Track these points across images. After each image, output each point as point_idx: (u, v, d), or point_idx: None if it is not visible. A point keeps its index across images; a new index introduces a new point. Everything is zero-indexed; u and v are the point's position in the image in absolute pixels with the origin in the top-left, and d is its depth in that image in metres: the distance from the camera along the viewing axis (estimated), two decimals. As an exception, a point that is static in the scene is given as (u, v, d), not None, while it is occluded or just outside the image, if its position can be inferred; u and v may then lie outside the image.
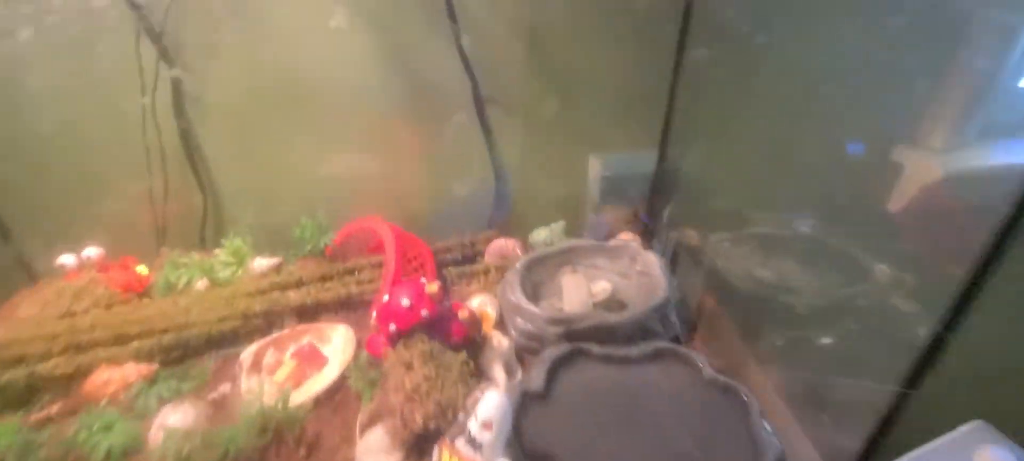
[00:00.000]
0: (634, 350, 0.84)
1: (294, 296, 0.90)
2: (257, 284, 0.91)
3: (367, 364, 0.81)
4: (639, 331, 0.88)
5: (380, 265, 0.98)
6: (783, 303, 0.88)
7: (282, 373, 0.78)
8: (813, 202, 0.80)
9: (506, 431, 0.66)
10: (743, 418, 0.73)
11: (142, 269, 0.94)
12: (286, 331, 0.86)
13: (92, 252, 0.93)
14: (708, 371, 0.80)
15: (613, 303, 0.99)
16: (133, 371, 0.75)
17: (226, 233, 1.04)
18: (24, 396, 0.71)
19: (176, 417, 0.70)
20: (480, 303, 0.94)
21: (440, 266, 1.05)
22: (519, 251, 1.09)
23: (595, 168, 1.16)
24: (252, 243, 1.00)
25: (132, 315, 0.81)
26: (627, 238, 1.14)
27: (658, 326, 0.90)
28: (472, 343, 0.85)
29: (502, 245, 1.09)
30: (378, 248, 1.00)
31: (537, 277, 1.02)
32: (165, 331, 0.80)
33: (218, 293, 0.89)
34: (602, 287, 1.00)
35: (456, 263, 1.07)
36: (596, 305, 0.96)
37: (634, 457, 0.71)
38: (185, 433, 0.64)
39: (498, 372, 0.84)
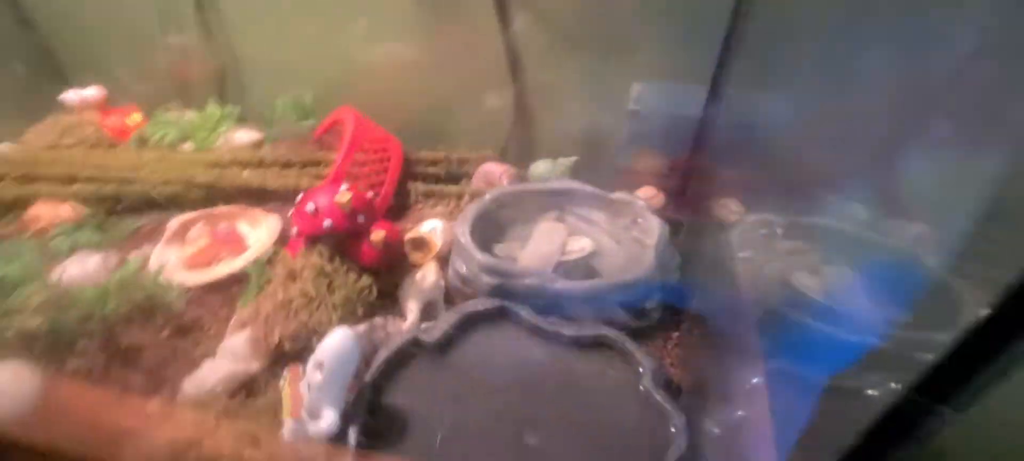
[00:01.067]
0: (569, 329, 0.66)
1: (246, 176, 0.85)
2: (217, 156, 0.88)
3: (276, 263, 0.74)
4: (590, 308, 0.69)
5: (373, 162, 0.89)
6: (818, 332, 0.63)
7: (191, 249, 0.75)
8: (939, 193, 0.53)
9: (344, 377, 0.55)
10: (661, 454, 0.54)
11: (135, 118, 0.95)
12: (221, 208, 0.82)
13: (91, 92, 0.96)
14: (647, 382, 0.60)
15: (587, 267, 0.80)
16: (66, 212, 0.76)
17: (242, 100, 1.02)
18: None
19: (77, 267, 0.69)
20: (432, 230, 0.81)
21: (415, 178, 0.93)
22: (507, 181, 0.93)
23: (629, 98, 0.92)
24: (239, 114, 0.96)
25: (91, 159, 0.82)
26: (646, 194, 0.92)
27: (618, 310, 0.70)
28: (388, 270, 0.74)
29: (490, 171, 0.93)
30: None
31: (511, 215, 0.85)
32: (108, 181, 0.80)
33: (179, 157, 0.88)
34: (580, 245, 0.81)
35: (436, 180, 0.95)
36: (563, 264, 0.78)
37: (503, 453, 0.56)
38: (55, 285, 0.63)
39: (411, 309, 0.72)
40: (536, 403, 0.60)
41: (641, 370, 0.62)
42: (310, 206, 0.69)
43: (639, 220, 0.82)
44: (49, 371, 0.59)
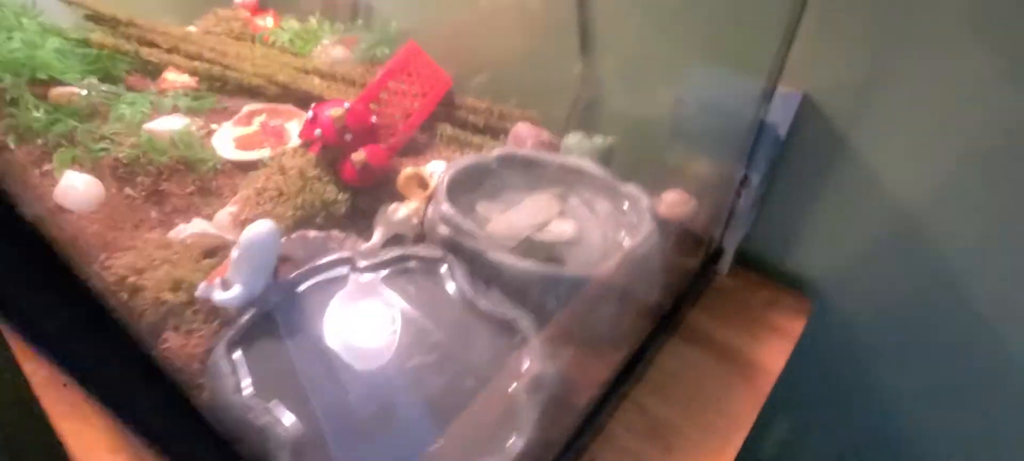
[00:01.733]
0: (485, 303, 0.64)
1: (317, 83, 0.97)
2: (302, 63, 1.01)
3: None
4: (521, 293, 0.65)
5: (411, 95, 0.94)
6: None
7: (244, 132, 0.89)
8: None
9: (254, 262, 0.62)
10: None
11: (267, 21, 1.15)
12: (280, 106, 0.95)
13: (249, -9, 1.19)
14: (521, 383, 0.55)
15: (555, 252, 0.74)
16: (186, 82, 0.97)
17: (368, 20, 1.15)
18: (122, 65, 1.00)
19: (167, 123, 0.88)
20: (432, 172, 0.83)
21: (453, 121, 0.94)
22: (531, 145, 0.88)
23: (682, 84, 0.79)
24: (341, 30, 1.09)
25: (216, 45, 1.02)
26: (671, 198, 0.80)
27: (551, 299, 0.65)
28: (368, 191, 0.78)
29: (520, 132, 0.89)
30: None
31: (515, 181, 0.82)
32: (219, 65, 0.98)
33: (277, 57, 1.03)
34: (562, 229, 0.75)
35: (474, 128, 0.95)
36: (531, 241, 0.74)
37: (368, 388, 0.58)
38: (144, 131, 0.82)
39: (376, 235, 0.76)
40: (421, 352, 0.60)
41: (524, 367, 0.57)
42: (310, 114, 0.76)
43: (643, 221, 0.72)
44: (111, 190, 0.78)
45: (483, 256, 0.67)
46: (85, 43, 0.97)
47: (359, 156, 0.74)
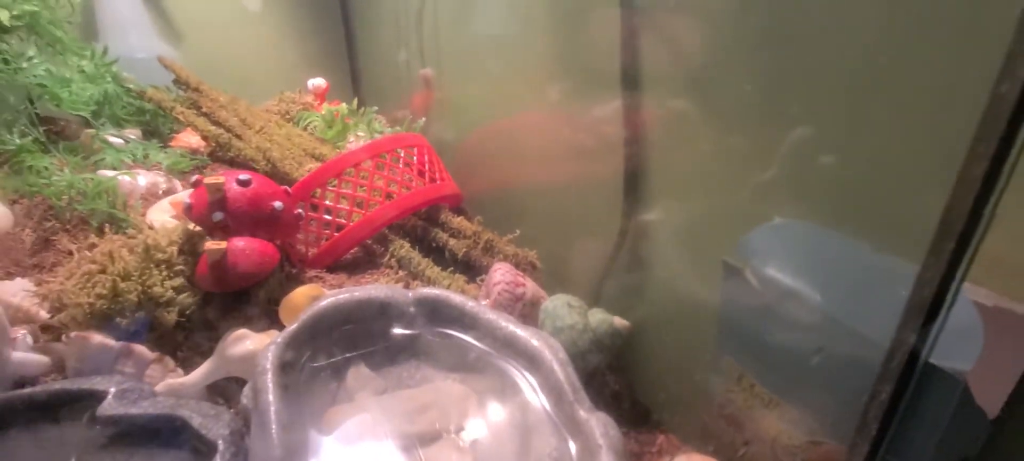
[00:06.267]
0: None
1: (306, 167, 0.81)
2: (315, 148, 0.87)
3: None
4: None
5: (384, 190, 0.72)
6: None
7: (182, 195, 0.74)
8: None
9: None
10: None
11: (326, 106, 1.07)
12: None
13: (319, 81, 1.13)
14: None
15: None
16: (196, 144, 0.90)
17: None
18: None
19: (140, 177, 0.79)
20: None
21: (424, 243, 0.67)
22: (517, 296, 0.56)
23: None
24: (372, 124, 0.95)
25: (251, 120, 0.95)
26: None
27: None
28: (222, 294, 0.53)
29: (497, 274, 0.58)
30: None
31: (431, 345, 0.50)
32: (226, 133, 0.90)
33: (296, 139, 0.91)
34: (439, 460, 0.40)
35: (445, 260, 0.66)
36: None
37: None
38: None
39: (200, 368, 0.50)
40: None
41: None
42: (193, 178, 0.57)
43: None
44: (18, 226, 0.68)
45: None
46: (140, 97, 0.97)
47: (214, 247, 0.51)
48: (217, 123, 0.93)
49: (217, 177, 0.55)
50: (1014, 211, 0.29)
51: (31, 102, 0.84)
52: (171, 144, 0.91)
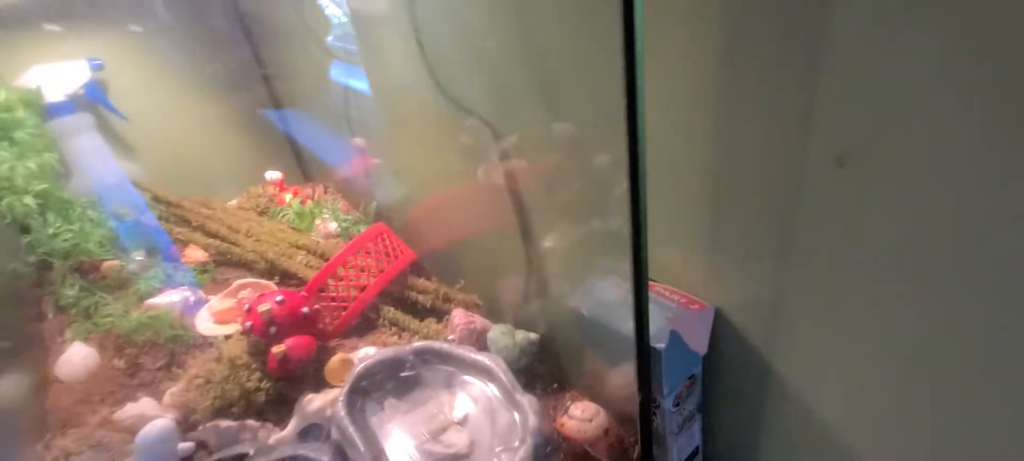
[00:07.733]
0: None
1: (299, 260, 1.09)
2: (297, 239, 1.15)
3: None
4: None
5: (369, 271, 1.03)
6: None
7: (225, 305, 1.01)
8: None
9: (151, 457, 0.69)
10: None
11: (286, 197, 1.33)
12: (268, 284, 1.07)
13: (276, 174, 1.39)
14: None
15: (442, 461, 0.72)
16: (200, 256, 1.15)
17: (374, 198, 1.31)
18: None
19: (168, 296, 1.04)
20: (363, 356, 0.87)
21: (404, 303, 1.00)
22: (472, 331, 0.90)
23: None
24: (334, 210, 1.24)
25: (235, 223, 1.20)
26: (583, 410, 0.76)
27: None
28: (289, 380, 0.84)
29: (456, 318, 0.92)
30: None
31: (428, 375, 0.83)
32: (225, 242, 1.16)
33: (278, 233, 1.18)
34: (453, 441, 0.74)
35: (423, 310, 0.99)
36: (427, 452, 0.73)
37: None
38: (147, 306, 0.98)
39: (291, 425, 0.80)
40: None
41: None
42: (246, 306, 0.86)
43: (524, 436, 0.70)
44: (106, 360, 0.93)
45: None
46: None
47: (278, 349, 0.82)
48: (211, 234, 1.19)
49: (265, 303, 0.84)
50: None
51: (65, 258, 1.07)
52: (182, 261, 1.16)
